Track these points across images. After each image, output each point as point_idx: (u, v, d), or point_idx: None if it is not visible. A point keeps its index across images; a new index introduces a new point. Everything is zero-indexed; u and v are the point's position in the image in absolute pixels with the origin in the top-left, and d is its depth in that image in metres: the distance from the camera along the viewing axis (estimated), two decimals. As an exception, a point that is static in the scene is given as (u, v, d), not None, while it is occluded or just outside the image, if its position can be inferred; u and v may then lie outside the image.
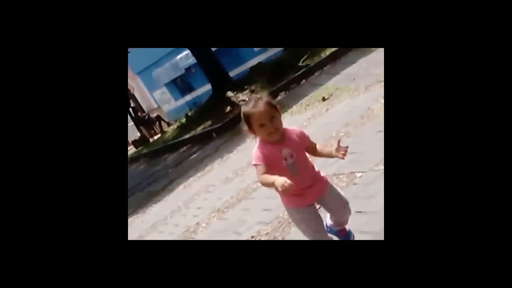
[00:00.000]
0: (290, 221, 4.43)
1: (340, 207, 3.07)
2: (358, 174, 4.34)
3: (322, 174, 3.07)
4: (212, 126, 13.12)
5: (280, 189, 2.61)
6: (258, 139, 2.92)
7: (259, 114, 2.81)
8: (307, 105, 9.00)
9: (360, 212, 3.65)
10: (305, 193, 2.93)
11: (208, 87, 18.10)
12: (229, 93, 14.19)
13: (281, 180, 2.60)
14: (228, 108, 13.68)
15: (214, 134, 12.39)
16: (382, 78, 7.16)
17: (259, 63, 16.13)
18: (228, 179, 7.40)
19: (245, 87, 14.21)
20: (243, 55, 20.87)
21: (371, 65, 8.56)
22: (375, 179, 4.08)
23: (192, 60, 20.68)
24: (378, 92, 6.79)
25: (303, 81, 11.40)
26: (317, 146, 3.04)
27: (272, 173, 2.77)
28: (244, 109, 2.90)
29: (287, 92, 11.57)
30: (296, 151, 2.89)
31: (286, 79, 12.07)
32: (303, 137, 2.99)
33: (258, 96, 2.92)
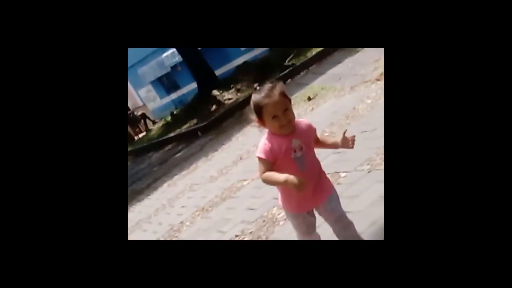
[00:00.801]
0: (274, 220, 4.44)
1: (334, 222, 2.81)
2: (343, 174, 4.34)
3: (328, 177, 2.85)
4: (197, 125, 13.10)
5: (295, 189, 2.45)
6: (267, 130, 2.70)
7: (273, 104, 2.57)
8: (293, 104, 8.95)
9: (345, 212, 3.65)
10: (306, 197, 2.69)
11: (194, 85, 18.06)
12: (215, 92, 14.19)
13: (295, 178, 2.44)
14: (214, 106, 13.68)
15: (199, 133, 12.36)
16: (368, 78, 7.19)
17: (245, 62, 16.14)
18: (213, 178, 7.39)
19: (231, 86, 14.22)
20: (229, 54, 20.86)
21: (356, 65, 8.59)
22: (359, 179, 4.09)
23: (178, 58, 20.65)
24: (363, 92, 6.82)
25: (289, 80, 11.41)
26: (319, 137, 2.86)
27: (279, 167, 2.60)
28: (255, 97, 2.64)
29: (272, 91, 11.56)
30: (305, 144, 2.67)
31: (272, 78, 12.06)
32: (311, 129, 2.78)
33: (271, 84, 2.65)
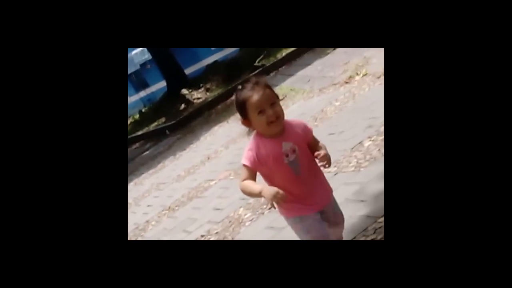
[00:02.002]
0: (240, 221, 4.42)
1: (337, 225, 2.65)
2: (310, 176, 4.36)
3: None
4: (165, 123, 13.02)
5: (270, 201, 2.25)
6: (253, 134, 2.47)
7: (257, 97, 2.33)
8: (261, 105, 8.99)
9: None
10: (309, 199, 2.47)
11: (163, 83, 17.93)
12: (184, 91, 14.13)
13: (271, 191, 2.24)
14: (183, 105, 13.62)
15: (167, 131, 12.28)
16: (337, 81, 7.23)
17: (215, 62, 16.10)
18: (180, 177, 7.35)
19: (200, 85, 14.18)
20: (199, 53, 20.75)
21: (326, 68, 8.63)
22: (326, 180, 4.10)
23: (147, 56, 20.45)
24: (332, 94, 6.85)
25: (258, 81, 11.40)
26: (322, 144, 2.54)
27: (272, 173, 2.41)
28: (238, 94, 2.42)
29: (242, 91, 11.57)
30: (298, 145, 2.43)
31: (242, 78, 12.07)
32: (305, 130, 2.52)
33: (256, 79, 2.43)
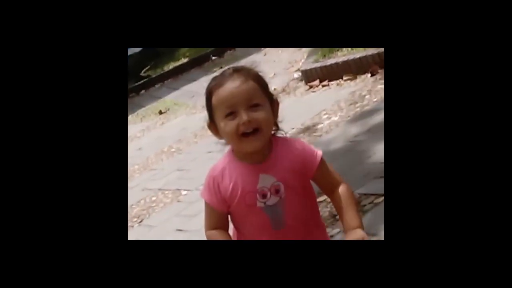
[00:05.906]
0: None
1: None
2: (184, 192, 4.34)
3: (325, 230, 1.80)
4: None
5: None
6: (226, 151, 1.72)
7: (229, 90, 1.53)
8: (143, 116, 8.94)
9: (181, 230, 3.64)
10: None
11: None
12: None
13: None
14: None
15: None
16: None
17: (100, 67, 15.73)
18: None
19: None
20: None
21: (211, 85, 8.70)
22: (199, 198, 4.08)
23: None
24: (214, 112, 6.90)
25: (143, 91, 11.28)
26: (343, 191, 1.64)
27: (239, 218, 1.64)
28: (208, 84, 1.64)
29: (124, 100, 11.39)
30: (286, 183, 1.58)
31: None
32: (307, 160, 1.61)
33: (241, 66, 1.63)
